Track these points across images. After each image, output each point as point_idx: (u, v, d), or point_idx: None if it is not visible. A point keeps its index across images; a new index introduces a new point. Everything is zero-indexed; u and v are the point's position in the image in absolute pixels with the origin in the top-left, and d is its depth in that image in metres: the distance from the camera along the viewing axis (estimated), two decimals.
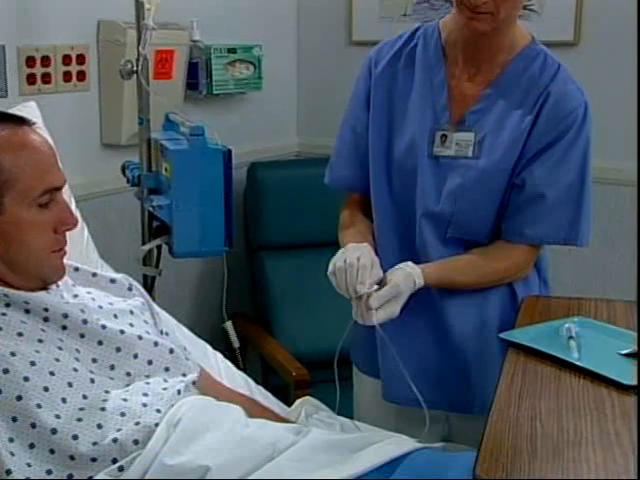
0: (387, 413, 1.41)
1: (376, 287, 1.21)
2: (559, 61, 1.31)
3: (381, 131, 1.36)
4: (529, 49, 1.32)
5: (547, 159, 1.28)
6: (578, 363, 1.09)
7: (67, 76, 1.84)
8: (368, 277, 1.19)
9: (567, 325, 1.20)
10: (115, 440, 1.05)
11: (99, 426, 1.06)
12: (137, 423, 1.08)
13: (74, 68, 1.85)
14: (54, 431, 1.03)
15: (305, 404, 1.37)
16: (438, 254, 1.32)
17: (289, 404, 1.44)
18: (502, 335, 1.19)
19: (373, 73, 1.37)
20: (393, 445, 1.14)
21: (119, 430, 1.07)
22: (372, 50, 1.40)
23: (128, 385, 1.15)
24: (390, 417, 1.41)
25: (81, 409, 1.06)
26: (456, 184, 1.30)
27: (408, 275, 1.24)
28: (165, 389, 1.15)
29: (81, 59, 1.87)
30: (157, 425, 1.08)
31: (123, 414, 1.09)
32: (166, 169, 1.65)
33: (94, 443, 1.04)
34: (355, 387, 1.53)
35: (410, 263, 1.27)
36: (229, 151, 1.64)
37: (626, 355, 1.11)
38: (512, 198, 1.31)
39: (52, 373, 1.07)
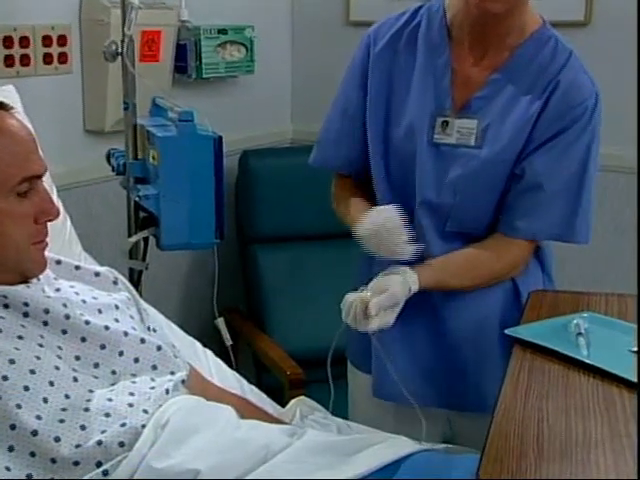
0: (385, 412, 1.41)
1: (368, 293, 1.21)
2: (570, 48, 1.30)
3: (378, 114, 1.35)
4: (540, 33, 1.31)
5: (550, 149, 1.28)
6: (587, 361, 1.09)
7: (47, 58, 1.83)
8: (405, 237, 1.23)
9: (576, 321, 1.20)
10: (99, 442, 1.05)
11: (82, 427, 1.06)
12: (123, 424, 1.08)
13: (55, 50, 1.84)
14: (35, 433, 1.03)
15: (300, 404, 1.38)
16: (436, 245, 1.33)
17: (283, 404, 1.44)
18: (507, 331, 1.19)
19: (372, 52, 1.36)
20: (392, 447, 1.14)
21: (104, 432, 1.06)
22: (371, 28, 1.39)
23: (113, 384, 1.14)
24: (388, 416, 1.41)
25: (63, 409, 1.06)
26: (457, 175, 1.30)
27: (404, 282, 1.24)
28: (152, 388, 1.15)
29: (62, 40, 1.85)
30: (144, 426, 1.08)
31: (108, 415, 1.09)
32: (153, 157, 1.64)
33: (77, 445, 1.04)
34: (350, 385, 1.53)
35: (406, 268, 1.27)
36: (220, 138, 1.64)
37: (638, 352, 1.11)
38: (510, 188, 1.31)
39: (32, 371, 1.06)
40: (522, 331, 1.19)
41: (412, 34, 1.34)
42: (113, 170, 1.76)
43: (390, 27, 1.36)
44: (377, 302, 1.19)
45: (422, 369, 1.36)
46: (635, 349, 1.12)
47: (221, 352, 1.71)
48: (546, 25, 1.32)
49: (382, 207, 1.27)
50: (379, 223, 1.23)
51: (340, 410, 1.38)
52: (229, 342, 1.85)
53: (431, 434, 1.38)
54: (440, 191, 1.31)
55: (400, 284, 1.23)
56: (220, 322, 1.83)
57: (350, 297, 1.22)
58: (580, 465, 0.88)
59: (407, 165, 1.33)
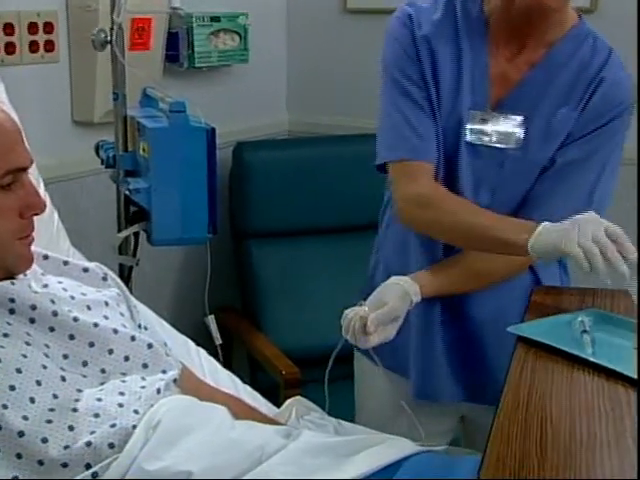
0: (399, 410, 1.39)
1: (366, 308, 1.21)
2: (609, 44, 1.30)
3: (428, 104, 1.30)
4: (578, 29, 1.30)
5: (584, 144, 1.28)
6: (592, 359, 1.09)
7: (33, 46, 1.83)
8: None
9: (580, 318, 1.20)
10: (89, 444, 1.05)
11: (71, 428, 1.06)
12: (113, 425, 1.07)
13: (41, 37, 1.84)
14: (21, 434, 1.03)
15: (296, 404, 1.38)
16: None
17: (278, 404, 1.44)
18: (510, 329, 1.19)
19: (417, 35, 1.29)
20: (392, 448, 1.14)
21: (93, 433, 1.06)
22: (406, 9, 1.32)
23: (103, 383, 1.14)
24: (403, 414, 1.40)
25: (51, 410, 1.06)
26: (495, 176, 1.30)
27: (405, 295, 1.24)
28: (143, 388, 1.15)
29: (49, 27, 1.85)
30: (135, 427, 1.08)
31: (97, 415, 1.08)
32: (144, 149, 1.64)
33: (65, 447, 1.04)
34: (363, 382, 1.51)
35: (407, 278, 1.27)
36: (213, 129, 1.64)
37: (638, 350, 1.11)
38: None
39: (19, 370, 1.06)
40: (525, 329, 1.19)
41: (449, 24, 1.30)
42: (102, 163, 1.76)
43: (430, 13, 1.30)
44: (375, 318, 1.20)
45: (445, 362, 1.37)
46: None
47: (214, 351, 1.71)
48: (583, 20, 1.31)
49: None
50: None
51: (337, 411, 1.37)
52: (218, 341, 1.85)
53: (442, 431, 1.41)
54: (477, 191, 1.31)
55: (399, 297, 1.24)
56: (210, 320, 1.83)
57: (349, 313, 1.22)
58: (585, 467, 0.88)
59: (446, 163, 1.31)
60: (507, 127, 1.29)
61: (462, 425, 1.52)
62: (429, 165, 1.29)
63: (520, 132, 1.29)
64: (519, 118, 1.29)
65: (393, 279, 1.28)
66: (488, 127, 1.29)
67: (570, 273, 1.45)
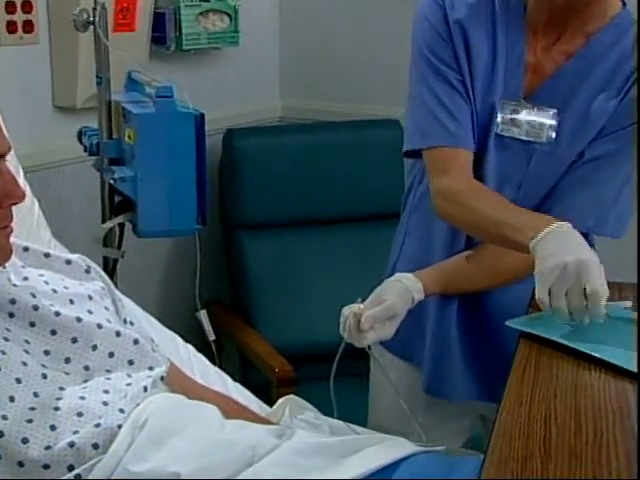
0: (415, 406, 1.39)
1: (360, 305, 1.21)
2: None
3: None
4: (620, 18, 1.28)
5: (616, 139, 1.27)
6: (598, 355, 1.10)
7: (11, 26, 1.82)
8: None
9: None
10: (71, 444, 1.05)
11: (52, 428, 1.06)
12: (97, 425, 1.08)
13: (19, 17, 1.83)
14: (1, 434, 1.03)
15: (289, 403, 1.38)
16: None
17: (271, 404, 1.45)
18: (509, 323, 1.20)
19: (450, 17, 1.27)
20: (389, 448, 1.14)
21: (76, 432, 1.06)
22: None
23: (86, 381, 1.14)
24: (420, 409, 1.41)
25: (32, 409, 1.06)
26: (523, 172, 1.29)
27: (405, 291, 1.24)
28: (129, 385, 1.15)
29: (27, 7, 1.84)
30: (120, 427, 1.08)
31: (80, 414, 1.08)
32: (129, 136, 1.64)
33: (47, 447, 1.04)
34: (380, 374, 1.52)
35: (409, 275, 1.27)
36: (201, 115, 1.64)
37: (638, 347, 1.12)
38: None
39: None
40: (527, 323, 1.20)
41: (485, 9, 1.28)
42: (85, 150, 1.75)
43: None
44: (370, 315, 1.20)
45: (460, 359, 1.38)
46: None
47: (203, 347, 1.71)
48: (626, 8, 1.30)
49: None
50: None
51: (339, 412, 1.37)
52: (212, 337, 1.85)
53: (459, 431, 1.42)
54: (503, 186, 1.30)
55: (399, 295, 1.24)
56: (202, 315, 1.83)
57: (345, 310, 1.22)
58: (590, 467, 0.88)
59: (474, 154, 1.30)
60: (540, 119, 1.28)
61: (483, 425, 1.51)
62: (466, 152, 1.28)
63: (553, 125, 1.27)
64: (552, 110, 1.28)
65: (396, 276, 1.28)
66: (520, 118, 1.28)
67: None
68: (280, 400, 1.40)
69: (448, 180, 1.28)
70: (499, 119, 1.29)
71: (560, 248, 1.10)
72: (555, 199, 1.30)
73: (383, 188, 2.24)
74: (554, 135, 1.28)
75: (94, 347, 1.17)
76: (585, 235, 1.21)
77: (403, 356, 1.46)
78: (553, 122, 1.28)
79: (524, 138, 1.29)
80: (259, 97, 2.55)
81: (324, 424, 1.33)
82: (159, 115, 1.61)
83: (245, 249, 2.30)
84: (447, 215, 1.31)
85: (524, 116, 1.28)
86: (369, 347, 1.31)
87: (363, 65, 2.46)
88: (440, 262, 1.34)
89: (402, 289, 1.25)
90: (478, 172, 1.30)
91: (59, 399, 1.09)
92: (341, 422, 1.34)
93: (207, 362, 1.55)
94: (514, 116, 1.29)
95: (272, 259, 2.31)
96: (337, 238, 2.35)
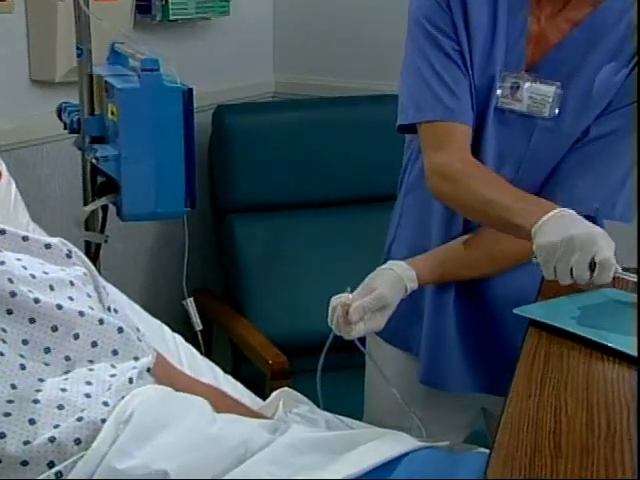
0: (414, 399, 1.40)
1: (349, 295, 1.21)
2: None
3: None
4: None
5: (623, 115, 1.27)
6: (611, 345, 1.10)
7: None
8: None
9: (598, 299, 1.21)
10: (52, 439, 1.05)
11: (31, 422, 1.06)
12: (79, 418, 1.07)
13: None
14: None
15: (283, 397, 1.38)
16: None
17: (264, 397, 1.45)
18: (517, 310, 1.20)
19: None
20: (389, 444, 1.15)
21: (57, 427, 1.06)
22: None
23: (67, 372, 1.14)
24: (418, 402, 1.41)
25: (9, 402, 1.06)
26: (524, 149, 1.29)
27: (397, 280, 1.24)
28: (113, 376, 1.15)
29: None
30: (104, 421, 1.08)
31: (61, 407, 1.08)
32: (112, 112, 1.64)
33: (25, 442, 1.04)
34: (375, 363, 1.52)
35: (402, 263, 1.27)
36: (190, 90, 1.63)
37: (638, 340, 1.12)
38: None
39: None
40: (536, 310, 1.20)
41: None
42: (65, 127, 1.75)
43: None
44: (359, 306, 1.21)
45: (457, 349, 1.38)
46: None
47: (192, 337, 1.71)
48: None
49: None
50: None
51: (330, 405, 1.38)
52: (199, 327, 1.85)
53: (461, 425, 1.43)
54: (502, 165, 1.30)
55: (390, 284, 1.24)
56: (189, 303, 1.83)
57: (334, 300, 1.22)
58: (603, 463, 0.88)
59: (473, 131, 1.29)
60: (542, 92, 1.27)
61: (485, 419, 1.53)
62: (464, 127, 1.28)
63: (556, 99, 1.27)
64: (556, 83, 1.27)
65: (388, 263, 1.28)
66: (521, 91, 1.28)
67: None
68: (274, 393, 1.41)
69: (444, 157, 1.27)
70: (499, 92, 1.29)
71: (564, 228, 1.10)
72: (558, 180, 1.30)
73: (384, 168, 2.23)
74: (557, 110, 1.28)
75: (76, 336, 1.17)
76: (593, 220, 1.21)
77: (401, 347, 1.46)
78: (556, 96, 1.27)
79: (525, 112, 1.28)
80: (251, 71, 2.55)
81: (320, 418, 1.33)
82: (144, 90, 1.60)
83: (236, 234, 2.30)
84: (443, 195, 1.30)
85: (526, 89, 1.28)
86: (364, 345, 1.32)
87: (362, 37, 2.45)
88: (436, 248, 1.35)
89: (394, 278, 1.25)
90: (475, 150, 1.30)
91: (38, 391, 1.09)
92: (337, 416, 1.35)
93: (196, 353, 1.56)
94: (515, 89, 1.28)
95: (265, 244, 2.31)
96: (335, 222, 2.35)
